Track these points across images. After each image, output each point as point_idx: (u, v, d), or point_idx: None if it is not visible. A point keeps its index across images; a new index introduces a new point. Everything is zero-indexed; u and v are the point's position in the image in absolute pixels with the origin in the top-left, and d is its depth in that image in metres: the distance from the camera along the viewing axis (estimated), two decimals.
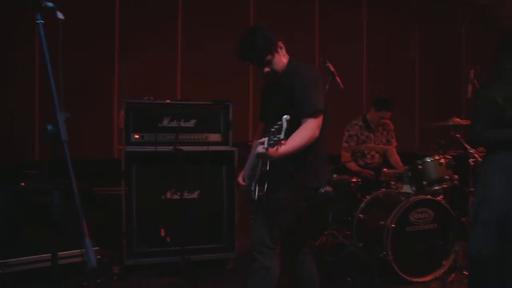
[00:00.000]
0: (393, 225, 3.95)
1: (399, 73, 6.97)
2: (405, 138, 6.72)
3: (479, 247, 2.78)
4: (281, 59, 2.69)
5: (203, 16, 5.94)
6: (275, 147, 2.24)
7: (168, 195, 4.21)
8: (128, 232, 4.09)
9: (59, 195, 1.97)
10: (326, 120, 2.64)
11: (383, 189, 4.52)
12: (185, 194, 4.20)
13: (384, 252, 3.94)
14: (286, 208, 2.69)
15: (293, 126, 2.42)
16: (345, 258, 4.43)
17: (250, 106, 6.03)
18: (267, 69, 2.67)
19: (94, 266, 1.75)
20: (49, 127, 1.88)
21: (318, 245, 4.63)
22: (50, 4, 1.89)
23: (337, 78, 4.05)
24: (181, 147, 4.09)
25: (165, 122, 4.26)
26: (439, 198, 4.22)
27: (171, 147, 4.09)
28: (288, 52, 2.76)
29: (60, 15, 1.90)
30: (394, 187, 4.58)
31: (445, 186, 4.24)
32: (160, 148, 4.14)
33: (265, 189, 2.66)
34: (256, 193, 2.71)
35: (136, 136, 4.18)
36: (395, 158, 5.07)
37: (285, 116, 2.18)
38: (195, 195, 4.29)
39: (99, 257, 4.05)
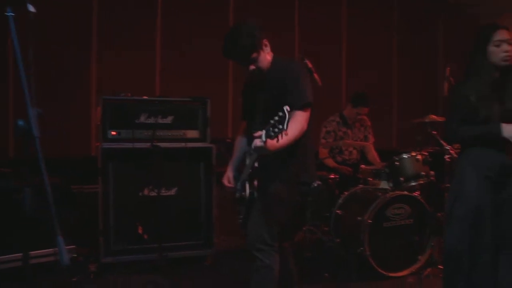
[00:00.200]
0: (370, 221, 3.99)
1: (377, 70, 7.03)
2: (383, 135, 6.80)
3: (454, 242, 2.83)
4: (266, 56, 2.67)
5: (183, 13, 5.90)
6: (276, 139, 2.21)
7: (146, 192, 4.18)
8: (105, 230, 4.05)
9: (31, 192, 1.94)
10: (312, 114, 2.64)
11: (360, 185, 4.56)
12: (163, 191, 4.17)
13: (362, 248, 3.98)
14: (282, 203, 2.68)
15: None
16: (323, 254, 4.45)
17: (229, 103, 6.02)
18: (252, 67, 2.64)
19: (67, 264, 1.73)
20: (20, 123, 1.85)
21: (296, 241, 4.64)
22: None
23: (315, 75, 4.04)
24: (158, 144, 4.06)
25: (143, 119, 4.22)
26: (416, 194, 4.27)
27: (149, 144, 4.05)
28: None
29: (31, 8, 1.87)
30: (372, 183, 4.62)
31: (421, 182, 4.30)
32: (138, 145, 4.10)
33: (256, 186, 2.63)
34: (247, 191, 2.67)
35: (113, 133, 4.13)
36: (372, 154, 5.11)
37: (286, 107, 2.16)
38: (172, 192, 4.26)
39: (75, 255, 4.01)
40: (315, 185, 2.66)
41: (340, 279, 4.04)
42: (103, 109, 4.10)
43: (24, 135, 1.85)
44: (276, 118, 2.18)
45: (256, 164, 2.62)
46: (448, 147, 4.17)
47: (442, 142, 4.27)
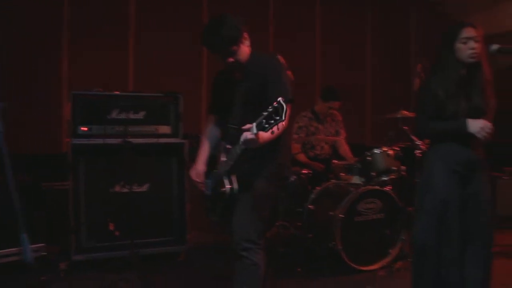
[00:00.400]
0: (342, 216, 4.03)
1: (351, 66, 7.09)
2: (357, 130, 6.87)
3: (423, 236, 2.87)
4: (246, 50, 2.64)
5: (156, 8, 5.84)
6: (271, 130, 2.19)
7: (117, 188, 4.13)
8: (76, 227, 3.99)
9: None
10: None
11: (333, 181, 4.59)
12: (135, 187, 4.14)
13: (334, 242, 4.02)
14: (268, 199, 2.67)
15: (257, 112, 2.41)
16: (296, 249, 4.48)
17: (202, 98, 5.99)
18: (231, 60, 2.60)
19: (31, 263, 1.70)
20: None
21: (269, 236, 4.66)
22: None
23: (288, 72, 4.06)
24: (130, 140, 4.02)
25: (114, 114, 4.17)
26: (387, 188, 4.32)
27: (120, 140, 4.01)
28: None
29: None
30: (344, 178, 4.66)
31: (393, 177, 4.36)
32: (109, 141, 4.06)
33: (237, 181, 2.58)
34: (227, 187, 2.59)
35: (84, 129, 4.08)
36: (344, 148, 5.14)
37: (280, 98, 2.15)
38: (144, 188, 4.22)
39: (45, 253, 3.93)
40: (292, 179, 2.68)
41: (313, 274, 4.07)
42: (73, 105, 4.04)
43: None
44: (270, 109, 2.16)
45: (230, 160, 2.58)
46: (419, 142, 4.24)
47: (413, 137, 4.33)
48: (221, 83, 2.85)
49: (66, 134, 5.17)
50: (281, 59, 4.16)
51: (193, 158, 3.05)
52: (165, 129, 4.32)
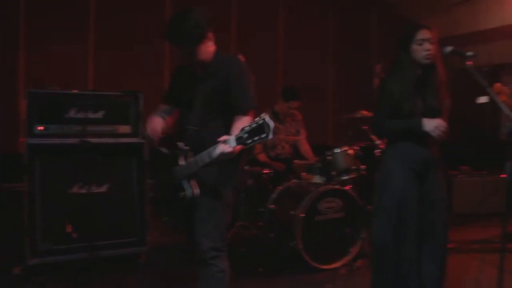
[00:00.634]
0: (302, 215, 4.05)
1: (313, 66, 7.16)
2: (319, 130, 6.94)
3: (380, 233, 2.91)
4: (209, 49, 2.59)
5: (118, 6, 5.74)
6: (252, 146, 2.17)
7: (75, 189, 4.02)
8: (31, 229, 3.86)
9: None
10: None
11: (294, 180, 4.62)
12: (93, 188, 4.04)
13: (295, 242, 4.03)
14: (229, 207, 2.68)
15: (227, 118, 2.44)
16: (257, 249, 4.48)
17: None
18: (194, 58, 2.55)
19: None
20: None
21: (230, 237, 4.65)
22: None
23: (249, 72, 4.06)
24: (88, 139, 3.93)
25: (72, 113, 4.06)
26: (348, 187, 4.37)
27: (78, 139, 3.91)
28: None
29: None
30: (305, 177, 4.69)
31: (353, 176, 4.43)
32: (67, 140, 3.95)
33: (197, 187, 2.51)
34: (187, 193, 2.51)
35: (40, 128, 3.96)
36: (305, 148, 5.18)
37: (264, 115, 2.13)
38: (104, 188, 4.13)
39: None
40: (249, 183, 2.69)
41: (274, 273, 4.08)
42: (28, 103, 3.92)
43: None
44: (254, 125, 2.13)
45: (194, 166, 2.50)
46: (378, 142, 4.31)
47: (372, 137, 4.41)
48: (182, 78, 2.78)
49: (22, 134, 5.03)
50: (242, 58, 4.17)
51: (153, 159, 2.99)
52: (125, 128, 4.23)
